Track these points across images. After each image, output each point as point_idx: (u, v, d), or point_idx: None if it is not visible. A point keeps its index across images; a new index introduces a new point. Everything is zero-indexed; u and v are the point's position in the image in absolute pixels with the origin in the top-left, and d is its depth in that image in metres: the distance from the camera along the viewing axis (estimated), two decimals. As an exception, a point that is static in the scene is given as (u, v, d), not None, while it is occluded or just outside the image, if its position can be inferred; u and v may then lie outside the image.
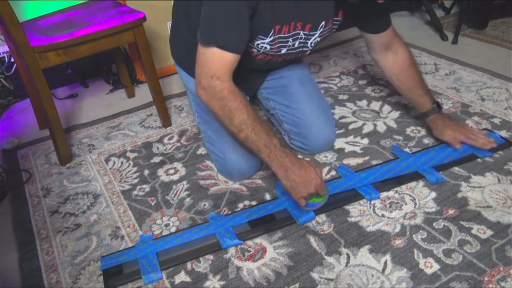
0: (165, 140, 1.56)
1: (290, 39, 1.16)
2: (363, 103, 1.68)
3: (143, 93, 1.92)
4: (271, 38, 1.13)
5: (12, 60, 1.83)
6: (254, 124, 1.05)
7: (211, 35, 1.04)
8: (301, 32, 1.16)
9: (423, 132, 1.47)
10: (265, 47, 1.16)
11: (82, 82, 2.06)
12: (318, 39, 1.22)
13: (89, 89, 2.04)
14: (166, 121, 1.64)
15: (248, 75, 1.34)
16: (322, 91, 1.75)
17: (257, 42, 1.14)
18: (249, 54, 1.19)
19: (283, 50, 1.19)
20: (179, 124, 1.66)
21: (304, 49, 1.23)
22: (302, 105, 1.36)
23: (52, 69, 1.42)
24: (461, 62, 1.94)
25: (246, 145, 1.10)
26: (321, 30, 1.18)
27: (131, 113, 1.77)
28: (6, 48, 1.80)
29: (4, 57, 1.88)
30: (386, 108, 1.64)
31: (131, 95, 1.92)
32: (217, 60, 1.05)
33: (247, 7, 1.02)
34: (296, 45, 1.19)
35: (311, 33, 1.18)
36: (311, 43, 1.22)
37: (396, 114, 1.59)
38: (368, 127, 1.53)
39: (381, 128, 1.52)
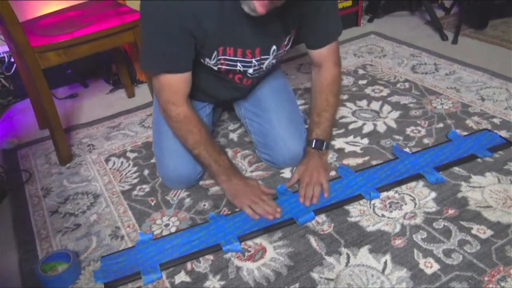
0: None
1: (239, 64, 1.15)
2: (363, 103, 1.68)
3: (143, 93, 1.92)
4: (214, 61, 1.13)
5: (12, 60, 1.84)
6: (206, 143, 1.18)
7: (156, 63, 1.09)
8: (253, 60, 1.16)
9: (423, 132, 1.47)
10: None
11: (82, 82, 2.06)
12: (273, 61, 1.22)
13: (89, 89, 2.04)
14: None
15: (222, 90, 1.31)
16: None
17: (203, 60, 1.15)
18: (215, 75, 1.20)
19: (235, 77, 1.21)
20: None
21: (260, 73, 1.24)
22: (270, 114, 1.33)
23: (52, 69, 1.43)
24: (461, 62, 1.94)
25: (198, 160, 1.22)
26: (274, 54, 1.18)
27: (131, 113, 1.77)
28: (6, 48, 1.80)
29: (4, 57, 1.88)
30: (386, 108, 1.64)
31: (131, 95, 1.92)
32: (169, 87, 1.12)
33: (183, 31, 1.03)
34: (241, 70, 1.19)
35: (262, 57, 1.17)
36: (266, 66, 1.21)
37: (396, 114, 1.59)
38: (368, 127, 1.53)
39: (381, 128, 1.52)
